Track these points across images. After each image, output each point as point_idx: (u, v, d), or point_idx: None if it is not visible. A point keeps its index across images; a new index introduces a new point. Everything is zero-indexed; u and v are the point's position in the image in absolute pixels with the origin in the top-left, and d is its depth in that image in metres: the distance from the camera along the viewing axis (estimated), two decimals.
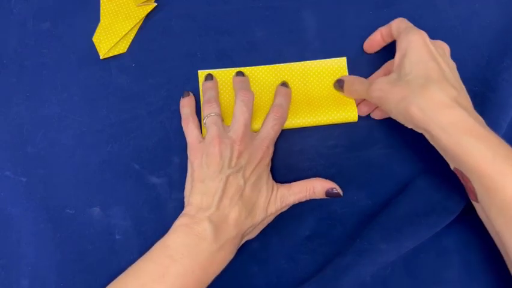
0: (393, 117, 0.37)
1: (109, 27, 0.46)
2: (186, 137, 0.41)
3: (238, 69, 0.44)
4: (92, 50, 0.46)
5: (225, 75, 0.45)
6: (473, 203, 0.34)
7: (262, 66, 0.45)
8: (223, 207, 0.36)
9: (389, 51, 0.43)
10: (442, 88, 0.33)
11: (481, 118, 0.34)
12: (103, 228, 0.42)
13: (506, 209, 0.30)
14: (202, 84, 0.44)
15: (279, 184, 0.40)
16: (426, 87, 0.33)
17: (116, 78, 0.45)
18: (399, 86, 0.35)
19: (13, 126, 0.44)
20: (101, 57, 0.46)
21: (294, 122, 0.43)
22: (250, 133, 0.40)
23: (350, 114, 0.42)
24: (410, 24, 0.39)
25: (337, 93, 0.44)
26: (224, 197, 0.36)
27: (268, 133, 0.40)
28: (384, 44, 0.44)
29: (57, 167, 0.43)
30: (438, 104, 0.33)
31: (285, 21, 0.46)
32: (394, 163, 0.42)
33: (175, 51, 0.46)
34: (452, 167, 0.34)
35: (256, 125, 0.43)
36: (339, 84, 0.42)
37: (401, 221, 0.38)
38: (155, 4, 0.47)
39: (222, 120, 0.41)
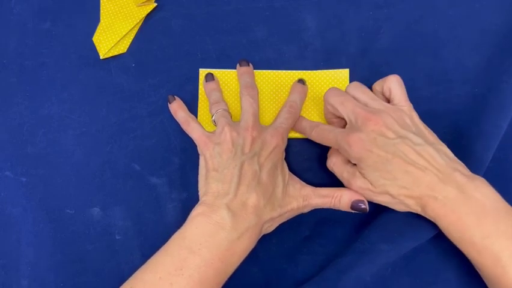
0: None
1: (109, 27, 0.46)
2: (191, 135, 0.41)
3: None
4: (92, 50, 0.46)
5: (226, 76, 0.45)
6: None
7: (264, 71, 0.45)
8: (241, 193, 0.35)
9: (387, 56, 0.43)
10: (412, 190, 0.34)
11: (466, 184, 0.33)
12: (103, 228, 0.42)
13: (493, 280, 0.33)
14: (204, 86, 0.44)
15: (304, 183, 0.39)
16: (401, 188, 0.34)
17: (116, 78, 0.45)
18: (380, 196, 0.36)
19: (13, 126, 0.44)
20: (101, 57, 0.46)
21: (292, 132, 0.43)
22: (261, 124, 0.40)
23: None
24: (333, 133, 0.38)
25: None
26: (241, 183, 0.36)
27: (282, 123, 0.40)
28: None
29: (57, 167, 0.43)
30: (416, 197, 0.34)
31: (285, 21, 0.46)
32: None
33: (175, 51, 0.46)
34: None
35: None
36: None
37: (401, 222, 0.38)
38: (155, 4, 0.47)
39: (231, 115, 0.41)
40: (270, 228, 0.38)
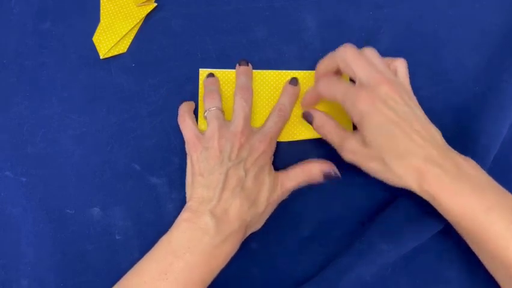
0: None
1: (109, 27, 0.46)
2: (183, 132, 0.41)
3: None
4: (92, 50, 0.46)
5: (226, 76, 0.45)
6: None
7: (263, 71, 0.45)
8: (224, 199, 0.36)
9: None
10: (412, 153, 0.33)
11: (461, 162, 0.33)
12: (103, 228, 0.42)
13: (492, 255, 0.32)
14: (204, 81, 0.44)
15: (277, 172, 0.40)
16: (396, 158, 0.34)
17: (116, 78, 0.45)
18: (373, 161, 0.35)
19: (13, 126, 0.44)
20: (101, 57, 0.46)
21: (289, 135, 0.43)
22: (251, 128, 0.40)
23: (345, 127, 0.42)
24: (337, 85, 0.38)
25: (334, 106, 0.43)
26: (225, 189, 0.36)
27: (271, 127, 0.40)
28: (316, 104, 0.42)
29: (57, 167, 0.43)
30: (413, 170, 0.33)
31: (285, 21, 0.46)
32: None
33: (175, 51, 0.46)
34: None
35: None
36: (308, 118, 0.41)
37: (401, 222, 0.38)
38: (155, 4, 0.47)
39: (224, 114, 0.41)
40: (257, 225, 0.39)
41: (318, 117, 0.40)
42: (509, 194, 0.33)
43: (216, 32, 0.46)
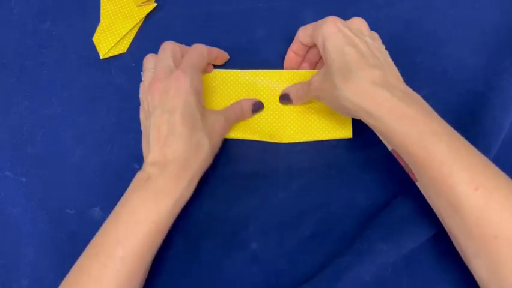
0: (335, 110, 0.38)
1: (109, 27, 0.46)
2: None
3: (240, 70, 0.44)
4: (92, 50, 0.46)
5: (226, 75, 0.45)
6: (417, 184, 0.35)
7: (263, 70, 0.45)
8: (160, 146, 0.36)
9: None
10: (363, 73, 0.33)
11: (409, 92, 0.34)
12: None
13: (438, 187, 0.31)
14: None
15: (216, 112, 0.41)
16: (348, 78, 0.33)
17: (116, 78, 0.45)
18: (327, 82, 0.36)
19: (13, 126, 0.44)
20: (101, 57, 0.46)
21: (288, 137, 0.43)
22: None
23: (344, 130, 0.42)
24: (311, 25, 0.39)
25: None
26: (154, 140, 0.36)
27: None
28: (302, 59, 0.44)
29: (57, 167, 0.43)
30: (362, 91, 0.33)
31: (285, 21, 0.46)
32: (394, 163, 0.42)
33: None
34: (389, 149, 0.35)
35: (252, 128, 0.43)
36: (286, 99, 0.43)
37: (401, 221, 0.38)
38: (155, 4, 0.47)
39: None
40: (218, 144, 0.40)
41: (291, 89, 0.42)
42: (452, 128, 0.33)
43: (216, 32, 0.46)
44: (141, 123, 0.40)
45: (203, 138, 0.37)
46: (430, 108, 0.33)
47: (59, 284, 0.41)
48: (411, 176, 0.34)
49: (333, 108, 0.38)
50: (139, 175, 0.36)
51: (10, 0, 0.48)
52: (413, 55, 0.45)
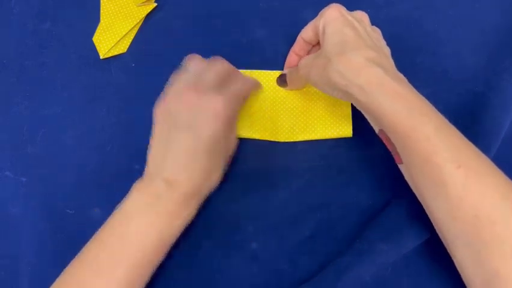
0: (320, 89, 0.38)
1: (109, 27, 0.46)
2: None
3: (240, 70, 0.44)
4: (92, 50, 0.46)
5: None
6: (399, 166, 0.35)
7: (263, 71, 0.45)
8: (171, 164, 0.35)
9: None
10: (358, 51, 0.33)
11: (402, 77, 0.34)
12: None
13: (423, 166, 0.31)
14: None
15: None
16: (342, 52, 0.34)
17: (116, 78, 0.45)
18: (320, 58, 0.36)
19: (13, 126, 0.44)
20: (101, 57, 0.46)
21: (288, 136, 0.43)
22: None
23: (344, 129, 0.42)
24: (313, 20, 0.40)
25: (332, 107, 0.43)
26: (169, 152, 0.36)
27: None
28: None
29: (57, 167, 0.43)
30: (355, 66, 0.33)
31: (285, 21, 0.46)
32: (394, 163, 0.42)
33: (175, 51, 0.46)
34: (376, 131, 0.35)
35: (253, 127, 0.43)
36: (282, 80, 0.43)
37: (401, 221, 0.38)
38: (155, 4, 0.47)
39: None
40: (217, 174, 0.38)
41: (288, 70, 0.42)
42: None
43: (215, 32, 0.46)
44: (156, 118, 0.37)
45: (219, 164, 0.37)
46: (419, 93, 0.34)
47: None
48: (396, 159, 0.35)
49: (320, 86, 0.37)
50: (148, 187, 0.35)
51: (10, 0, 0.48)
52: (413, 55, 0.45)
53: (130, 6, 0.47)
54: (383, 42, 0.38)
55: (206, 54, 0.45)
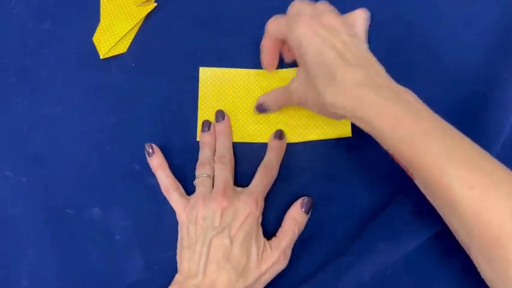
0: (324, 116, 0.38)
1: (109, 27, 0.46)
2: (171, 203, 0.40)
3: (240, 70, 0.44)
4: (92, 50, 0.46)
5: (226, 74, 0.45)
6: (416, 182, 0.34)
7: (258, 70, 0.45)
8: (210, 273, 0.35)
9: (387, 50, 0.43)
10: (346, 76, 0.31)
11: (400, 90, 0.32)
12: (103, 228, 0.42)
13: (435, 188, 0.30)
14: (200, 136, 0.42)
15: (269, 240, 0.38)
16: (331, 82, 0.32)
17: (116, 78, 0.45)
18: (310, 89, 0.35)
19: (13, 126, 0.44)
20: (101, 57, 0.46)
21: (288, 137, 0.43)
22: (234, 189, 0.39)
23: (344, 129, 0.42)
24: (282, 20, 0.37)
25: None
26: (209, 261, 0.35)
27: (257, 186, 0.39)
28: (278, 54, 0.42)
29: (57, 167, 0.43)
30: (348, 95, 0.31)
31: None
32: (394, 163, 0.42)
33: (175, 51, 0.46)
34: (385, 149, 0.34)
35: (253, 130, 0.43)
36: (262, 108, 0.41)
37: (401, 221, 0.38)
38: (155, 4, 0.47)
39: (212, 180, 0.40)
40: None
41: (266, 98, 0.41)
42: (446, 122, 0.31)
43: (216, 32, 0.46)
44: (184, 219, 0.38)
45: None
46: (419, 104, 0.32)
47: (59, 284, 0.41)
48: (411, 176, 0.34)
49: (322, 114, 0.37)
50: None
51: (10, 0, 0.48)
52: (413, 55, 0.45)
53: (130, 6, 0.47)
54: (364, 48, 0.35)
55: (206, 54, 0.46)
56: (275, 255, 0.37)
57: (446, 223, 0.33)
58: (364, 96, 0.31)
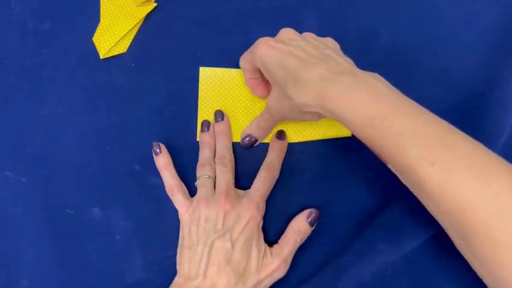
0: (305, 121, 0.39)
1: (109, 27, 0.46)
2: (174, 204, 0.40)
3: (240, 70, 0.44)
4: (92, 50, 0.46)
5: (226, 74, 0.45)
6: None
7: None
8: (210, 275, 0.35)
9: (387, 53, 0.43)
10: (308, 74, 0.32)
11: (363, 76, 0.32)
12: (103, 228, 0.42)
13: (398, 168, 0.31)
14: (200, 136, 0.43)
15: (270, 247, 0.39)
16: (296, 84, 0.33)
17: (116, 78, 0.45)
18: (282, 99, 0.35)
19: (13, 126, 0.44)
20: (101, 57, 0.46)
21: (288, 137, 0.43)
22: (238, 191, 0.40)
23: (343, 129, 0.42)
24: (248, 51, 0.39)
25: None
26: (210, 263, 0.35)
27: (259, 189, 0.39)
28: (261, 79, 0.42)
29: (57, 167, 0.43)
30: (313, 91, 0.32)
31: (285, 21, 0.46)
32: None
33: (175, 51, 0.46)
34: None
35: None
36: (250, 140, 0.41)
37: (401, 221, 0.38)
38: (155, 4, 0.47)
39: (214, 181, 0.40)
40: None
41: (251, 129, 0.41)
42: (413, 103, 0.31)
43: (216, 32, 0.46)
44: (186, 220, 0.39)
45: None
46: (384, 87, 0.32)
47: (59, 284, 0.41)
48: (385, 163, 0.34)
49: (303, 119, 0.37)
50: None
51: (10, 0, 0.48)
52: (413, 55, 0.45)
53: (130, 6, 0.47)
54: (321, 46, 0.36)
55: (206, 54, 0.46)
56: (276, 263, 0.37)
57: (423, 204, 0.33)
58: (327, 89, 0.32)
